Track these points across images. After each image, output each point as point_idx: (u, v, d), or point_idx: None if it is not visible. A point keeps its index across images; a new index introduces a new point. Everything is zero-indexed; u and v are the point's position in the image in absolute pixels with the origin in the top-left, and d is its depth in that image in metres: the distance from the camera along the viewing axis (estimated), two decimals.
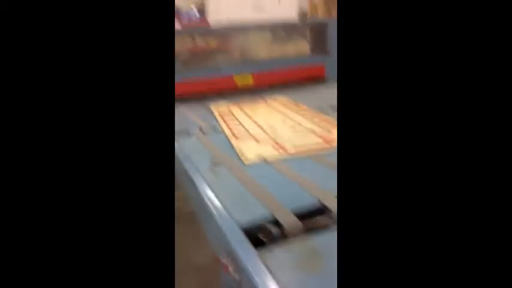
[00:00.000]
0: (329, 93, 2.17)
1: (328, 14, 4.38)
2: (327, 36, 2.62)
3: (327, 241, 0.63)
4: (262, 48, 4.47)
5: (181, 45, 3.13)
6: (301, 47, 3.67)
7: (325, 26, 2.64)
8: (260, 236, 0.68)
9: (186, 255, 1.25)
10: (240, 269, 0.59)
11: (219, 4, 2.46)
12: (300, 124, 1.44)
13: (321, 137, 1.24)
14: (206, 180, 0.93)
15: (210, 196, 0.82)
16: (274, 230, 0.68)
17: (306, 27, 3.31)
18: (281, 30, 4.24)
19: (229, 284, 0.66)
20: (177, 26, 3.55)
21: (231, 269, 0.63)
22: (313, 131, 1.31)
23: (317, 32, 2.80)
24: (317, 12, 4.71)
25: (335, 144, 1.16)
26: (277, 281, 0.53)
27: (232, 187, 0.90)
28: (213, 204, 0.79)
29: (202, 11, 4.44)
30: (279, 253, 0.61)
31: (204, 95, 2.30)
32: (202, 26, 3.08)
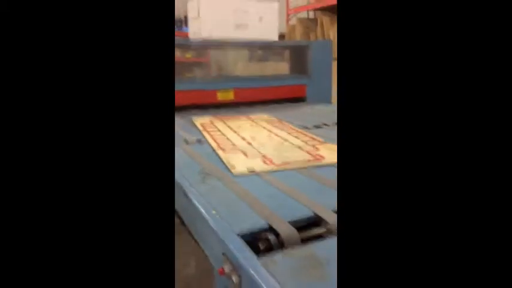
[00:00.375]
0: (311, 113, 2.24)
1: (306, 37, 4.56)
2: (307, 58, 2.72)
3: (326, 249, 0.66)
4: (239, 65, 4.56)
5: None
6: (280, 66, 3.77)
7: (306, 48, 2.75)
8: (258, 244, 0.69)
9: None
10: (240, 272, 0.60)
11: (202, 20, 2.50)
12: (286, 140, 1.47)
13: (308, 152, 1.28)
14: (199, 191, 0.93)
15: (206, 206, 0.83)
16: (272, 238, 0.70)
17: (284, 48, 3.42)
18: (259, 50, 4.34)
19: (225, 286, 0.66)
20: None
21: (228, 271, 0.63)
22: (300, 147, 1.35)
23: (297, 54, 2.91)
24: (295, 35, 4.88)
25: (323, 160, 1.20)
26: (281, 285, 0.54)
27: (225, 197, 0.90)
28: (209, 213, 0.79)
29: (178, 22, 4.47)
30: (278, 259, 0.62)
31: (185, 107, 2.30)
32: (182, 38, 3.11)
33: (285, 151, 1.31)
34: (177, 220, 1.24)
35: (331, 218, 0.76)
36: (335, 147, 1.34)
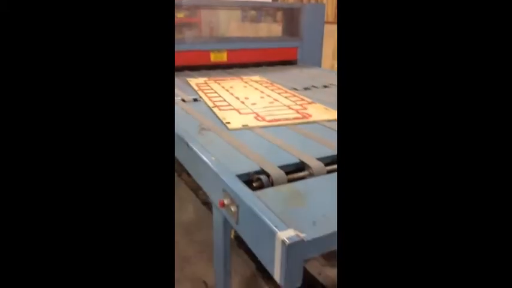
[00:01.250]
0: (301, 75, 2.34)
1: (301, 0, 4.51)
2: (300, 21, 2.77)
3: (307, 186, 0.80)
4: (232, 26, 4.53)
5: None
6: (273, 28, 3.79)
7: (299, 11, 2.78)
8: (252, 183, 0.82)
9: None
10: (238, 203, 0.73)
11: None
12: (277, 100, 1.58)
13: (297, 111, 1.40)
14: (199, 142, 1.05)
15: (206, 154, 0.95)
16: (263, 178, 0.83)
17: (278, 9, 3.43)
18: (252, 10, 4.31)
19: (224, 216, 0.80)
20: None
21: (227, 203, 0.77)
22: (289, 107, 1.47)
23: (290, 16, 2.94)
24: None
25: (310, 118, 1.32)
26: (271, 210, 0.68)
27: (222, 147, 1.03)
28: (209, 159, 0.92)
29: None
30: (270, 193, 0.76)
31: (179, 67, 2.37)
32: None
33: (275, 110, 1.43)
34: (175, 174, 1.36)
35: (314, 164, 0.90)
36: (322, 106, 1.46)
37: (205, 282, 1.09)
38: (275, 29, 3.67)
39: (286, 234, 0.59)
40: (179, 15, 4.91)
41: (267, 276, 1.12)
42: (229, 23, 4.63)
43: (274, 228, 0.61)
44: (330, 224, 0.64)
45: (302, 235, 0.59)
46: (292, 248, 0.58)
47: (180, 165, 1.82)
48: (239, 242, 1.17)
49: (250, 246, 0.72)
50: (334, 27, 3.54)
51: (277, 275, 0.61)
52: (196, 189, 1.62)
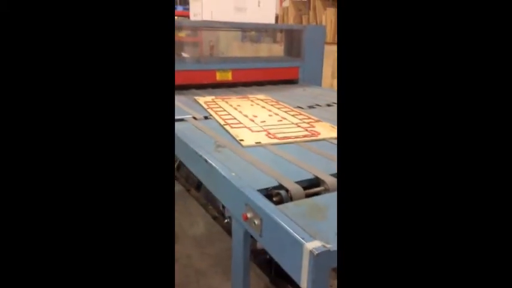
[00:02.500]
0: (304, 94, 2.41)
1: (299, 20, 4.67)
2: (301, 42, 2.87)
3: (325, 200, 0.85)
4: (234, 45, 4.66)
5: None
6: (273, 48, 3.91)
7: (300, 32, 2.89)
8: (272, 198, 0.87)
9: (181, 226, 1.41)
10: (261, 216, 0.78)
11: (204, 2, 2.60)
12: (285, 118, 1.65)
13: (305, 129, 1.46)
14: (216, 158, 1.10)
15: (225, 170, 1.00)
16: (282, 193, 0.88)
17: (280, 31, 3.55)
18: (254, 31, 4.45)
19: (244, 229, 0.84)
20: None
21: (250, 216, 0.82)
22: (298, 125, 1.53)
23: (291, 37, 3.05)
24: (288, 17, 4.98)
25: (319, 136, 1.38)
26: (295, 223, 0.72)
27: (239, 163, 1.08)
28: (229, 174, 0.97)
29: None
30: (291, 207, 0.81)
31: (185, 86, 2.44)
32: (178, 19, 3.22)
33: (285, 127, 1.49)
34: (180, 187, 1.41)
35: (329, 180, 0.95)
36: (328, 125, 1.53)
37: None
38: (276, 49, 3.79)
39: (313, 245, 0.64)
40: (180, 35, 5.05)
41: None
42: (230, 43, 4.76)
43: (301, 239, 0.66)
44: None
45: (328, 245, 0.64)
46: (320, 258, 0.62)
47: (188, 182, 1.86)
48: (253, 256, 1.20)
49: (274, 257, 0.76)
50: (334, 48, 3.66)
51: (303, 284, 0.66)
52: (205, 205, 1.66)
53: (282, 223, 0.72)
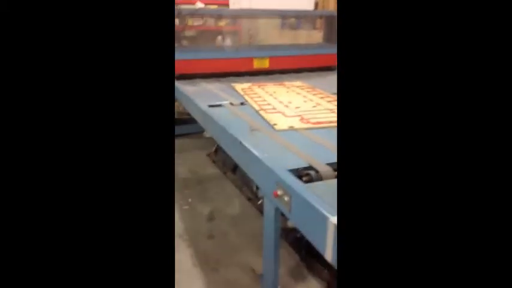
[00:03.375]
0: None
1: None
2: None
3: None
4: (272, 33, 4.67)
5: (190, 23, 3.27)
6: (312, 35, 3.87)
7: None
8: (302, 177, 0.91)
9: (218, 206, 1.49)
10: (291, 193, 0.83)
11: None
12: (319, 104, 1.67)
13: None
14: (251, 141, 1.16)
15: (258, 150, 1.05)
16: (312, 173, 0.92)
17: (318, 17, 3.51)
18: (292, 18, 4.42)
19: (275, 206, 0.89)
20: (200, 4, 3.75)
21: (280, 193, 0.87)
22: (332, 111, 1.55)
23: (330, 23, 3.01)
24: (328, 2, 4.88)
25: None
26: (322, 200, 0.76)
27: (272, 146, 1.13)
28: (262, 155, 1.02)
29: None
30: (319, 186, 0.85)
31: (223, 73, 2.52)
32: (212, 9, 3.30)
33: (318, 113, 1.51)
34: (217, 171, 1.48)
35: None
36: None
37: (253, 269, 1.19)
38: (315, 35, 3.75)
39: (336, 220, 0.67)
40: (220, 24, 5.13)
41: (311, 267, 1.19)
42: (269, 31, 4.77)
43: (327, 213, 0.70)
44: None
45: None
46: None
47: (225, 165, 1.94)
48: (284, 234, 1.26)
49: (301, 230, 0.81)
50: None
51: (328, 255, 0.70)
52: (240, 186, 1.73)
53: (309, 200, 0.76)
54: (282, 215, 0.98)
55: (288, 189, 0.85)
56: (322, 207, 0.73)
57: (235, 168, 1.86)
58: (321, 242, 0.71)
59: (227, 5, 4.37)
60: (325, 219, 0.69)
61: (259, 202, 1.51)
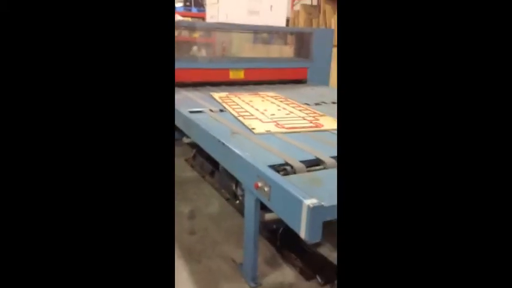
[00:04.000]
0: (312, 93, 2.59)
1: (309, 23, 4.84)
2: (310, 44, 3.05)
3: (323, 174, 1.03)
4: (246, 47, 4.87)
5: None
6: (284, 49, 4.10)
7: (309, 35, 3.07)
8: (279, 172, 1.05)
9: (198, 206, 1.60)
10: (271, 184, 0.96)
11: (221, 5, 2.80)
12: (292, 112, 1.83)
13: (310, 122, 1.64)
14: (232, 142, 1.29)
15: (241, 150, 1.19)
16: (288, 168, 1.06)
17: (290, 33, 3.73)
18: (266, 33, 4.64)
19: (256, 197, 1.02)
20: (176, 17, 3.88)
21: (261, 185, 1.00)
22: (304, 118, 1.71)
23: (301, 39, 3.23)
24: (299, 20, 5.16)
25: (322, 127, 1.56)
26: (299, 188, 0.90)
27: (252, 146, 1.27)
28: (244, 154, 1.15)
29: (187, 2, 4.77)
30: (294, 178, 0.99)
31: (201, 83, 2.64)
32: (190, 21, 3.43)
33: (292, 120, 1.67)
34: (196, 174, 1.60)
35: (328, 160, 1.13)
36: (331, 118, 1.71)
37: (233, 260, 1.30)
38: (286, 50, 3.97)
39: (310, 201, 0.82)
40: (195, 35, 5.27)
41: (285, 256, 1.33)
42: (242, 44, 4.97)
43: (301, 198, 0.84)
44: None
45: (322, 202, 0.82)
46: (315, 211, 0.80)
47: (203, 169, 2.05)
48: (261, 228, 1.39)
49: (279, 215, 0.94)
50: None
51: (302, 233, 0.84)
52: (219, 189, 1.84)
53: (287, 188, 0.90)
54: (261, 208, 1.11)
55: (268, 181, 0.98)
56: (297, 193, 0.87)
57: (212, 172, 1.97)
58: (297, 222, 0.85)
59: (202, 17, 4.53)
60: (300, 202, 0.83)
61: (237, 202, 1.63)
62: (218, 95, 2.28)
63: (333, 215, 0.86)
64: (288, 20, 5.35)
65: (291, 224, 0.89)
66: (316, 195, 0.86)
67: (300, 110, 1.89)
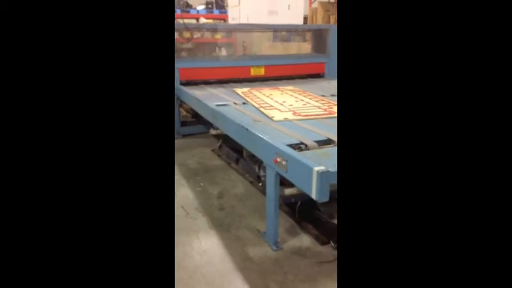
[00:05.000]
0: (328, 86, 2.75)
1: (327, 20, 4.98)
2: (327, 40, 3.20)
3: (331, 150, 1.21)
4: (265, 45, 5.07)
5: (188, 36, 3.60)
6: (303, 46, 4.26)
7: (326, 31, 3.22)
8: (295, 149, 1.24)
9: (226, 188, 1.81)
10: (287, 158, 1.15)
11: (242, 7, 3.00)
12: (308, 103, 2.01)
13: (325, 110, 1.82)
14: (255, 127, 1.49)
15: (262, 133, 1.38)
16: (303, 146, 1.25)
17: (307, 31, 3.89)
18: (285, 32, 4.82)
19: (275, 171, 1.22)
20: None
21: (279, 160, 1.19)
22: (319, 107, 1.89)
23: (318, 36, 3.38)
24: (317, 17, 5.29)
25: (334, 114, 1.73)
26: (311, 160, 1.09)
27: (272, 131, 1.46)
28: (265, 136, 1.35)
29: (209, 5, 5.02)
30: (307, 153, 1.18)
31: (225, 80, 2.87)
32: (212, 23, 3.67)
33: (308, 109, 1.85)
34: (223, 162, 1.82)
35: (337, 139, 1.31)
36: None
37: (258, 230, 1.50)
38: (305, 47, 4.14)
39: (319, 168, 1.00)
40: (217, 36, 5.52)
41: (302, 226, 1.51)
42: (262, 43, 5.18)
43: (311, 166, 1.03)
44: None
45: (329, 169, 1.00)
46: (323, 175, 0.99)
47: (229, 157, 2.26)
48: (281, 202, 1.58)
49: (295, 183, 1.13)
50: None
51: (313, 194, 1.02)
52: (243, 174, 2.05)
53: (301, 159, 1.09)
54: (280, 183, 1.31)
55: (285, 156, 1.17)
56: (309, 163, 1.05)
57: (237, 159, 2.18)
58: (309, 186, 1.04)
59: (223, 19, 4.76)
60: (310, 169, 1.02)
61: (260, 184, 1.83)
62: (241, 90, 2.49)
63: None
64: (306, 18, 5.51)
65: (304, 188, 1.08)
66: (324, 164, 1.05)
67: (316, 101, 2.06)
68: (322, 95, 2.28)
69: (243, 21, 2.95)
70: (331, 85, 2.78)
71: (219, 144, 2.46)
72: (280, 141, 1.29)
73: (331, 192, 1.02)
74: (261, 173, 1.68)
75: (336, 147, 1.27)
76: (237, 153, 2.17)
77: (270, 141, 1.29)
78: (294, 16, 3.18)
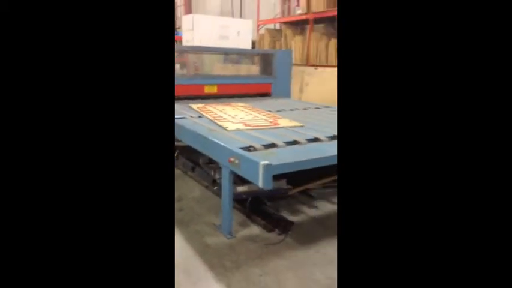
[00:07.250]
0: (275, 103, 3.10)
1: (273, 45, 5.44)
2: (273, 63, 3.59)
3: (276, 150, 1.50)
4: (217, 66, 5.38)
5: None
6: (252, 68, 4.64)
7: (272, 55, 3.61)
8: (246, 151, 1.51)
9: (183, 193, 2.01)
10: (239, 158, 1.42)
11: (196, 32, 3.28)
12: (257, 116, 2.31)
13: (270, 122, 2.12)
14: (210, 135, 1.74)
15: (218, 139, 1.64)
16: (252, 149, 1.53)
17: (256, 54, 4.28)
18: (235, 55, 5.18)
19: (229, 170, 1.48)
20: None
21: (233, 159, 1.45)
22: (265, 120, 2.19)
23: (265, 59, 3.77)
24: (264, 43, 5.75)
25: (279, 125, 2.04)
26: (258, 157, 1.36)
27: (226, 138, 1.72)
28: (221, 141, 1.60)
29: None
30: (256, 153, 1.46)
31: (180, 97, 3.09)
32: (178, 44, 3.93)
33: (256, 121, 2.15)
34: (180, 171, 2.03)
35: (280, 143, 1.60)
36: (287, 119, 2.19)
37: (214, 224, 1.72)
38: (253, 69, 4.51)
39: (263, 162, 1.28)
40: None
41: (252, 219, 1.76)
42: (213, 64, 5.48)
43: (258, 161, 1.30)
44: (284, 162, 1.33)
45: (271, 163, 1.28)
46: (267, 167, 1.26)
47: (185, 167, 2.46)
48: (234, 198, 1.82)
49: (246, 176, 1.39)
50: (301, 68, 4.39)
51: (260, 183, 1.29)
52: (199, 180, 2.27)
53: (251, 157, 1.36)
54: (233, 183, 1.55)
55: (238, 156, 1.44)
56: (256, 159, 1.33)
57: (193, 168, 2.39)
58: (256, 177, 1.30)
59: (178, 40, 4.99)
60: (258, 163, 1.29)
61: (215, 188, 2.06)
62: (196, 105, 2.73)
63: (279, 171, 1.33)
64: (255, 43, 5.95)
65: (253, 180, 1.34)
66: (268, 159, 1.33)
67: (263, 115, 2.37)
68: (269, 110, 2.60)
69: (196, 43, 3.23)
70: (277, 102, 3.13)
71: (176, 155, 2.66)
72: (234, 146, 1.55)
73: (275, 190, 1.29)
74: (217, 176, 1.92)
75: (278, 149, 1.56)
76: (193, 162, 2.39)
77: (225, 145, 1.55)
78: (243, 41, 3.54)
